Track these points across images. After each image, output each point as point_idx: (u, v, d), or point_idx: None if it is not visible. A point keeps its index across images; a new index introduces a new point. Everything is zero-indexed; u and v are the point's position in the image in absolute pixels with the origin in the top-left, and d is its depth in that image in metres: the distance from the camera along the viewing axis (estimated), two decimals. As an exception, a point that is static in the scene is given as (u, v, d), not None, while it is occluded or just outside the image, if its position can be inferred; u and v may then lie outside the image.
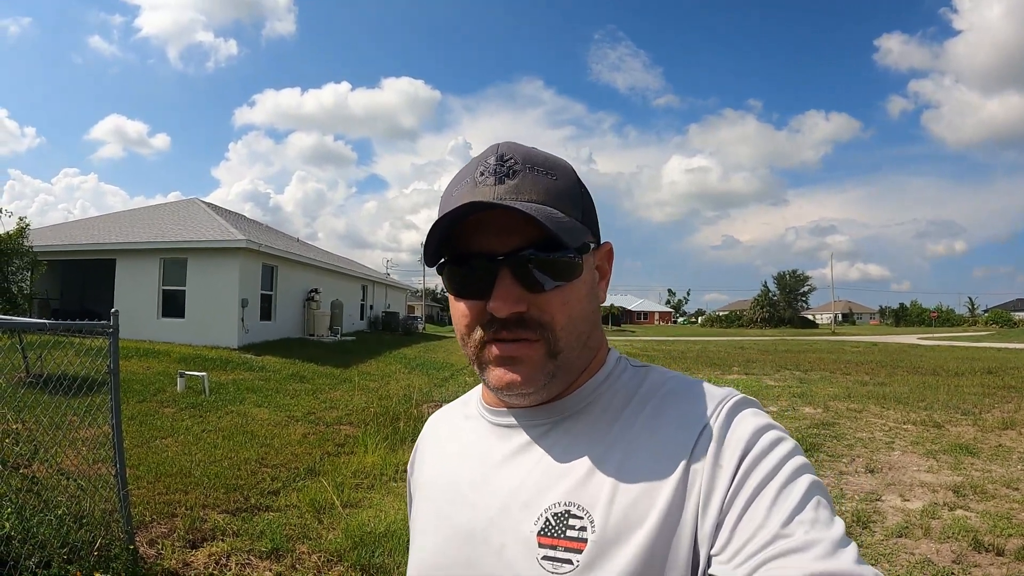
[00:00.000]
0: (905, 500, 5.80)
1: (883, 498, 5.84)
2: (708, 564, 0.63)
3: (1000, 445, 7.94)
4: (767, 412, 0.74)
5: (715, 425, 0.70)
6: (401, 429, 8.57)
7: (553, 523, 0.71)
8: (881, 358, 23.09)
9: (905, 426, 9.28)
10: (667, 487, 0.67)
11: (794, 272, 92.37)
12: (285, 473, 6.49)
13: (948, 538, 4.81)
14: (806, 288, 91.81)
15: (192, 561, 4.22)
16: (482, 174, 0.74)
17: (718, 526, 0.64)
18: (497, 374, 0.75)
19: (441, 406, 1.04)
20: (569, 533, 0.69)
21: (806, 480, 0.64)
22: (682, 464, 0.68)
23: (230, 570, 4.14)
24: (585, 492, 0.71)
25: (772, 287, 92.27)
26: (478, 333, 0.75)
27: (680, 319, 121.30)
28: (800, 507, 0.61)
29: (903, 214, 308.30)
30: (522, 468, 0.78)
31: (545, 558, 0.69)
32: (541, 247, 0.71)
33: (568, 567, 0.68)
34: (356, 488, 6.07)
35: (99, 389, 4.13)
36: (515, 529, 0.73)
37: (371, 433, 8.21)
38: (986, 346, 32.50)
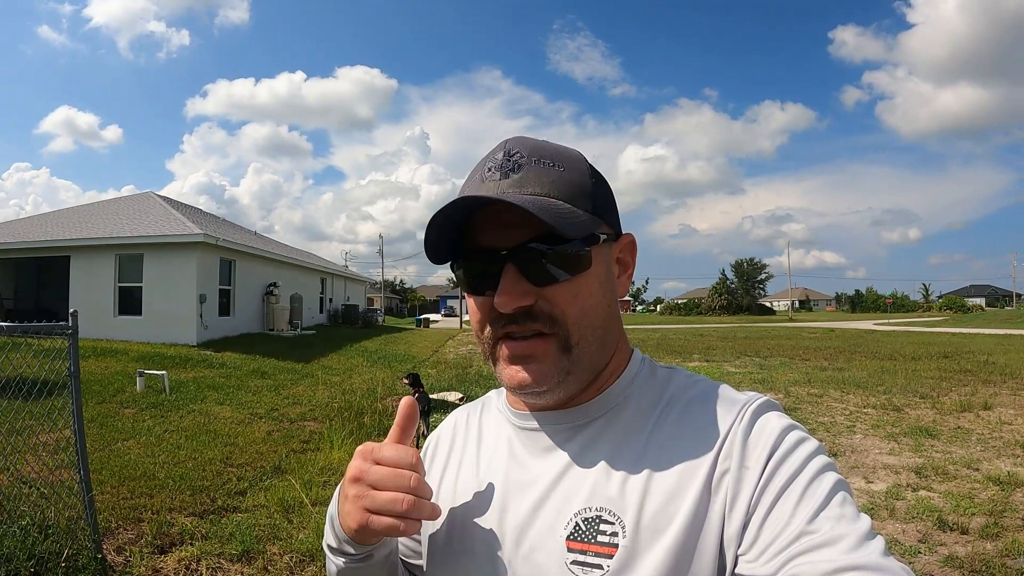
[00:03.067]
0: (869, 482, 5.94)
1: (847, 480, 5.95)
2: (735, 565, 0.64)
3: (959, 427, 8.20)
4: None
5: (740, 428, 0.70)
6: (366, 424, 8.51)
7: (583, 528, 0.70)
8: (839, 344, 23.66)
9: (865, 410, 9.53)
10: (694, 491, 0.67)
11: (751, 260, 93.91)
12: (251, 472, 6.37)
13: (913, 518, 4.95)
14: (763, 276, 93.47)
15: (162, 567, 4.10)
16: (489, 169, 0.74)
17: (745, 526, 0.64)
18: (509, 372, 0.74)
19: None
20: (600, 538, 0.69)
21: (831, 478, 0.65)
22: (709, 468, 0.68)
23: (201, 575, 4.05)
24: (616, 497, 0.70)
25: (730, 275, 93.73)
26: (488, 330, 0.75)
27: (639, 307, 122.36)
28: (825, 503, 0.62)
29: (858, 202, 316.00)
30: (550, 472, 0.77)
31: (575, 563, 0.69)
32: (547, 240, 0.70)
33: (598, 572, 0.68)
34: (324, 485, 5.98)
35: (59, 392, 3.98)
36: (544, 533, 0.73)
37: (336, 429, 8.15)
38: (941, 331, 33.54)
